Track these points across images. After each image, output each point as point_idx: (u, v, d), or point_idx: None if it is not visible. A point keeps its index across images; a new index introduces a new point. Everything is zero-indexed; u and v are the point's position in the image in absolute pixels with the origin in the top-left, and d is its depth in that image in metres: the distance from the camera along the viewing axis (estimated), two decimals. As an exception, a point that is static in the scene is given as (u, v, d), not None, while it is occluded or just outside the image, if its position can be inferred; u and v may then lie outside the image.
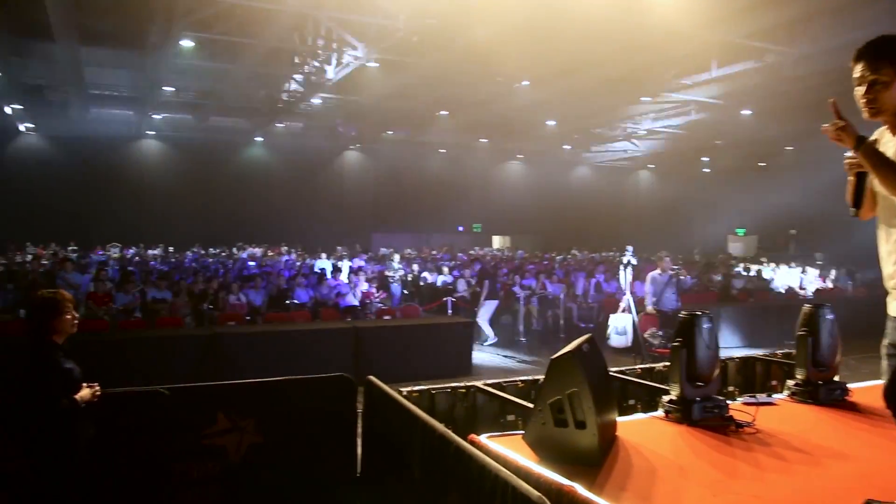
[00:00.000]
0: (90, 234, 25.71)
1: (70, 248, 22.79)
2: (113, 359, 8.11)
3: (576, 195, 35.01)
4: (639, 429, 3.90)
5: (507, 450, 3.62)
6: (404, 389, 4.81)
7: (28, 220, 26.05)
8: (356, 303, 12.04)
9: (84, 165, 27.67)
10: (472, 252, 25.91)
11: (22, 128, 26.68)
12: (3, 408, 4.10)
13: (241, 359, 8.85)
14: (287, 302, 11.80)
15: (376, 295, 12.85)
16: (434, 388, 5.07)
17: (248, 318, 10.89)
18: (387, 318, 11.29)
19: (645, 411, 5.21)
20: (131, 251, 23.76)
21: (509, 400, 4.91)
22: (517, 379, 5.31)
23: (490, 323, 13.08)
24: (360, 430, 5.01)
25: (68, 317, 3.83)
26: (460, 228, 33.57)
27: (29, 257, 20.65)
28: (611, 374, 4.66)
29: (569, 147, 30.58)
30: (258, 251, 24.74)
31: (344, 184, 31.83)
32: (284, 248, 25.36)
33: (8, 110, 23.05)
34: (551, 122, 24.66)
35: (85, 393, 3.81)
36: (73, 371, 3.82)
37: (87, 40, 16.98)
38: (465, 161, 32.46)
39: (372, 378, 4.81)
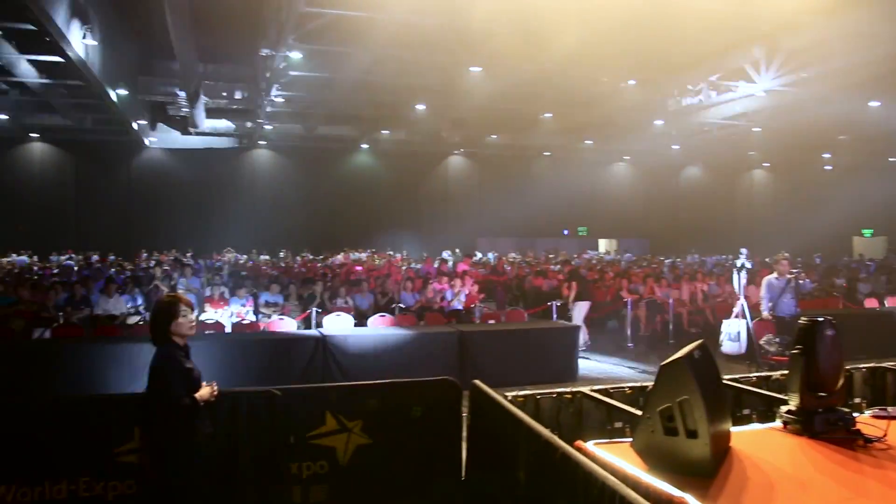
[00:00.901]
0: (207, 241, 27.13)
1: (188, 253, 24.05)
2: (228, 359, 8.47)
3: (685, 196, 33.93)
4: (754, 440, 3.70)
5: (615, 457, 3.52)
6: (509, 394, 4.77)
7: (152, 229, 27.89)
8: (461, 306, 12.09)
9: (200, 175, 29.37)
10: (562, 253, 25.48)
11: (147, 142, 28.50)
12: (135, 403, 4.33)
13: (347, 361, 9.04)
14: (392, 305, 11.98)
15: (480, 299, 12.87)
16: (539, 394, 5.01)
17: (354, 321, 11.11)
18: (491, 322, 11.27)
19: (761, 421, 4.95)
20: (244, 256, 24.83)
21: (616, 407, 4.79)
22: (625, 385, 5.17)
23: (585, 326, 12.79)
24: (465, 433, 5.01)
25: (185, 320, 4.03)
26: (565, 232, 33.20)
27: (153, 263, 21.92)
28: (724, 381, 4.47)
29: (678, 147, 29.66)
30: (364, 255, 25.31)
31: (448, 188, 32.12)
32: (389, 253, 25.84)
33: (135, 126, 24.62)
34: (659, 122, 23.99)
35: (204, 392, 3.99)
36: (193, 371, 4.02)
37: (205, 58, 17.95)
38: (570, 163, 32.07)
39: (477, 382, 4.80)
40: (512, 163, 31.60)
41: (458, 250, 26.10)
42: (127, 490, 4.29)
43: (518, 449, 3.93)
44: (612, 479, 2.87)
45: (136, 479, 4.25)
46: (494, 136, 27.95)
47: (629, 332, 13.47)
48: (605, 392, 5.03)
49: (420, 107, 21.70)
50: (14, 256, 23.70)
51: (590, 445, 3.77)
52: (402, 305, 11.93)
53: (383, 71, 18.80)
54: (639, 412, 4.47)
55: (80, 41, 14.68)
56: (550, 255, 24.80)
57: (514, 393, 4.89)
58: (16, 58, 17.73)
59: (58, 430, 4.26)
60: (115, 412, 4.36)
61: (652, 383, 5.05)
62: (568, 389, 5.09)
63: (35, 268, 20.00)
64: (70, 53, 15.36)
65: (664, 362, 3.42)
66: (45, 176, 28.97)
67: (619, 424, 4.92)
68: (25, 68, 18.79)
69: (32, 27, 14.88)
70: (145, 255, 24.12)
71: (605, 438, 4.38)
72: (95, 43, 14.96)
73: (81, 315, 10.87)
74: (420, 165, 31.20)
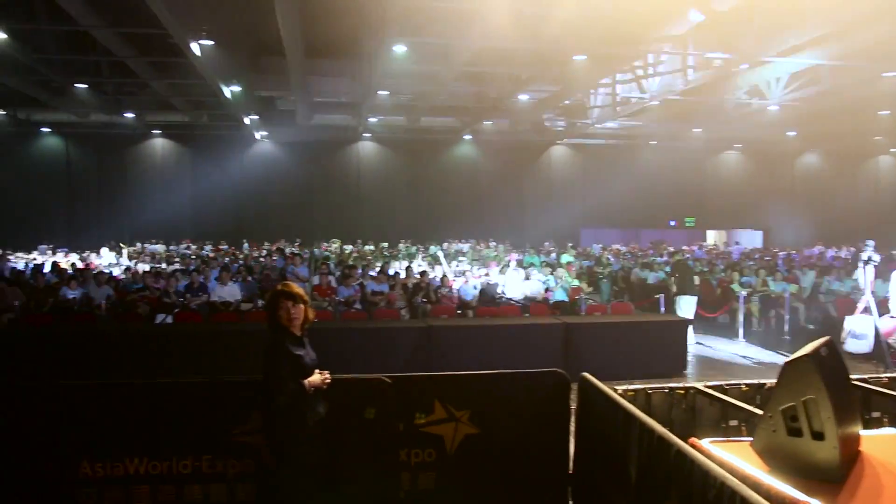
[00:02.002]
0: (314, 231, 28.03)
1: (296, 243, 24.88)
2: (337, 347, 8.71)
3: (802, 185, 32.25)
4: (886, 444, 3.48)
5: (733, 456, 3.40)
6: (619, 387, 4.68)
7: (263, 220, 29.16)
8: (566, 298, 11.95)
9: (308, 168, 30.40)
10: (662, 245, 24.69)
11: (257, 136, 29.67)
12: (251, 387, 4.52)
13: (452, 351, 9.12)
14: (497, 296, 11.99)
15: (586, 291, 12.68)
16: (650, 388, 4.89)
17: (458, 311, 11.20)
18: (597, 314, 11.09)
19: (893, 425, 4.67)
20: (349, 247, 25.43)
21: (732, 404, 4.62)
22: (741, 382, 4.97)
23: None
24: (572, 426, 4.96)
25: (284, 311, 4.14)
26: (672, 223, 32.22)
27: (264, 252, 22.82)
28: (852, 382, 4.23)
29: (794, 133, 28.15)
30: (465, 246, 25.42)
31: (552, 179, 31.77)
32: (492, 244, 25.84)
33: (247, 121, 25.64)
34: (774, 108, 22.85)
35: (315, 379, 4.11)
36: (303, 357, 4.13)
37: (312, 53, 18.43)
38: (678, 152, 31.04)
39: (587, 375, 4.74)
40: (617, 152, 30.91)
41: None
42: (245, 469, 4.49)
43: (630, 444, 3.85)
44: (731, 479, 2.77)
45: (253, 459, 4.44)
46: (599, 126, 27.41)
47: (740, 327, 12.97)
48: (719, 389, 4.86)
49: (523, 97, 21.52)
50: (149, 246, 25.24)
51: (705, 443, 3.65)
52: (506, 296, 11.92)
53: (486, 61, 18.75)
54: (756, 410, 4.31)
55: (196, 42, 15.39)
56: (663, 245, 24.14)
57: (624, 387, 4.80)
58: (139, 60, 18.79)
59: (183, 410, 4.50)
60: (233, 395, 4.55)
61: (770, 381, 4.87)
62: (680, 385, 4.95)
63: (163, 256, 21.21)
64: (188, 54, 16.14)
65: (788, 359, 3.26)
66: (165, 169, 30.67)
67: (734, 422, 4.76)
68: (148, 70, 19.91)
69: (155, 31, 15.76)
70: (246, 245, 25.18)
71: (720, 436, 4.23)
72: (210, 43, 15.63)
73: (199, 301, 11.44)
74: (523, 155, 31.00)
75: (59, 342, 8.83)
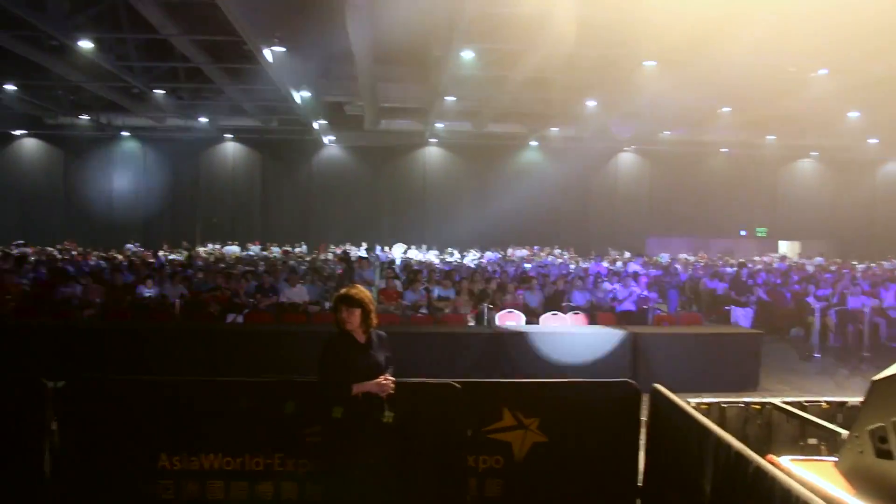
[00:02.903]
0: (380, 235, 28.42)
1: (362, 247, 25.19)
2: (403, 351, 8.73)
3: (884, 195, 30.94)
4: None
5: (816, 476, 3.28)
6: (692, 400, 4.58)
7: (329, 223, 29.66)
8: (633, 307, 11.76)
9: (374, 172, 30.82)
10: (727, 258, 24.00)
11: (326, 140, 30.22)
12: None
13: (519, 358, 9.08)
14: (563, 304, 11.87)
15: (654, 300, 12.45)
16: (724, 402, 4.77)
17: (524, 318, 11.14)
18: (666, 324, 10.87)
19: None
20: (414, 252, 25.60)
21: (811, 421, 4.46)
22: (821, 399, 4.79)
23: None
24: (642, 438, 4.87)
25: (338, 314, 4.25)
26: (743, 233, 31.38)
27: (330, 255, 23.18)
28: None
29: (875, 141, 27.06)
30: (525, 252, 25.29)
31: (618, 186, 31.35)
32: (557, 251, 25.64)
33: (315, 126, 26.13)
34: (854, 114, 22.03)
35: (369, 383, 4.12)
36: (358, 360, 4.17)
37: (380, 60, 18.64)
38: (750, 160, 30.26)
39: (659, 386, 4.65)
40: (685, 159, 30.31)
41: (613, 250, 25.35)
42: (315, 468, 4.55)
43: (704, 459, 3.76)
44: (815, 500, 2.67)
45: (324, 458, 4.50)
46: (668, 132, 26.93)
47: (815, 342, 12.51)
48: (798, 405, 4.70)
49: (591, 103, 21.32)
50: (226, 248, 25.98)
51: (785, 461, 3.54)
52: (572, 304, 11.80)
53: (554, 67, 18.65)
54: (838, 429, 4.14)
55: (269, 49, 15.77)
56: (726, 257, 23.56)
57: (697, 400, 4.69)
58: (214, 67, 19.37)
59: (257, 408, 4.60)
60: (305, 395, 4.62)
61: (852, 399, 4.69)
62: (756, 399, 4.81)
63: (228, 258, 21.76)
64: (260, 60, 16.56)
65: (877, 378, 3.13)
66: (236, 173, 31.51)
67: (813, 441, 4.59)
68: (222, 76, 20.50)
69: (229, 38, 16.23)
70: (304, 246, 25.58)
71: (799, 455, 4.09)
72: (282, 49, 15.99)
73: (269, 303, 11.68)
74: (589, 162, 30.66)
75: (136, 338, 9.16)
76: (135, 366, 8.64)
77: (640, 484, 4.83)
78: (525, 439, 4.73)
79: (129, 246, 26.03)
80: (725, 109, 21.95)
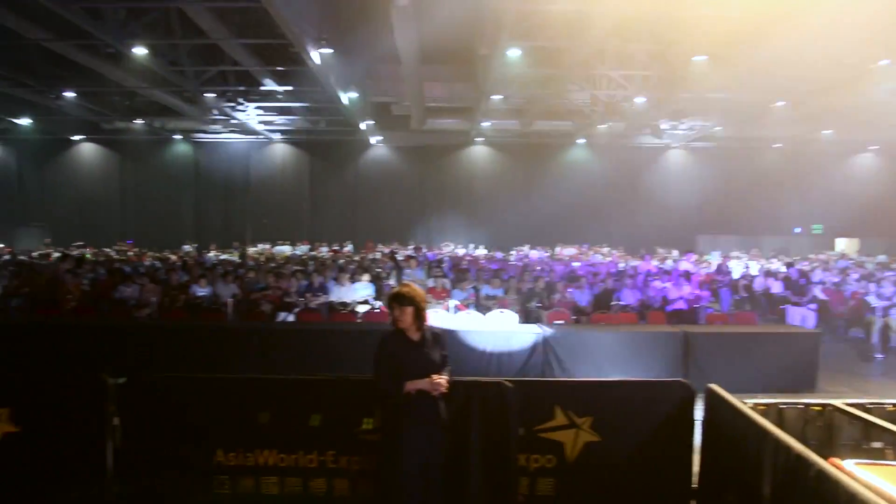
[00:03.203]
0: (427, 234, 28.54)
1: (410, 246, 25.29)
2: (452, 349, 8.75)
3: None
4: None
5: (883, 481, 3.18)
6: (748, 401, 4.48)
7: (377, 222, 29.89)
8: (684, 307, 11.56)
9: (421, 172, 30.93)
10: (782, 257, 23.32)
11: (372, 141, 30.43)
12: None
13: (568, 357, 9.01)
14: (612, 303, 11.74)
15: (706, 299, 12.22)
16: (783, 403, 4.65)
17: (573, 317, 11.05)
18: (718, 324, 10.67)
19: None
20: (462, 249, 25.60)
21: (876, 424, 4.32)
22: (886, 402, 4.64)
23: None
24: (697, 439, 4.78)
25: (391, 314, 4.26)
26: (797, 230, 30.57)
27: (378, 255, 23.32)
28: None
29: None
30: (573, 250, 25.08)
31: (668, 183, 30.83)
32: (606, 249, 25.38)
33: (362, 126, 26.33)
34: (918, 106, 21.25)
35: (420, 382, 4.13)
36: (407, 358, 4.18)
37: (427, 59, 18.68)
38: (805, 155, 29.46)
39: (714, 386, 4.57)
40: (737, 155, 29.66)
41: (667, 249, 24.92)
42: (367, 465, 4.59)
43: (763, 461, 3.68)
44: (883, 505, 2.59)
45: (374, 456, 4.53)
46: (718, 128, 26.40)
47: (875, 342, 12.12)
48: (861, 407, 4.56)
49: (639, 100, 21.04)
50: (277, 247, 26.39)
51: (849, 464, 3.44)
52: (622, 303, 11.65)
53: (601, 64, 18.47)
54: (905, 432, 4.01)
55: (316, 51, 15.95)
56: (781, 255, 22.99)
57: (754, 400, 4.59)
58: (263, 69, 19.67)
59: (310, 406, 4.66)
60: (357, 393, 4.67)
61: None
62: (817, 401, 4.68)
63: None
64: (308, 62, 16.76)
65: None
66: (285, 174, 31.97)
67: (878, 444, 4.45)
68: (270, 78, 20.82)
69: (278, 41, 16.48)
70: (350, 246, 25.77)
71: (863, 458, 3.97)
72: (330, 51, 16.15)
73: (319, 301, 11.81)
74: (638, 159, 30.29)
75: (191, 337, 9.37)
76: (189, 363, 8.84)
77: (694, 485, 4.75)
78: (577, 438, 4.69)
79: (186, 247, 26.65)
80: (780, 103, 21.40)
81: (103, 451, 4.56)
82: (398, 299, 4.25)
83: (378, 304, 11.45)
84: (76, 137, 31.47)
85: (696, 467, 4.76)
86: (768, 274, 15.18)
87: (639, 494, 4.72)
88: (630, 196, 30.33)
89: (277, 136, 30.96)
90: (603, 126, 26.46)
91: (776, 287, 14.44)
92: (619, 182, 30.19)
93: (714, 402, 4.55)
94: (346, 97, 20.56)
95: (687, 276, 12.39)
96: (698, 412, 4.77)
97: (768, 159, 29.98)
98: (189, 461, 4.62)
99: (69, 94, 22.24)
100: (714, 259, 21.90)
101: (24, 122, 27.51)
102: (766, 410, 4.55)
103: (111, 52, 17.86)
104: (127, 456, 4.62)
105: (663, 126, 26.61)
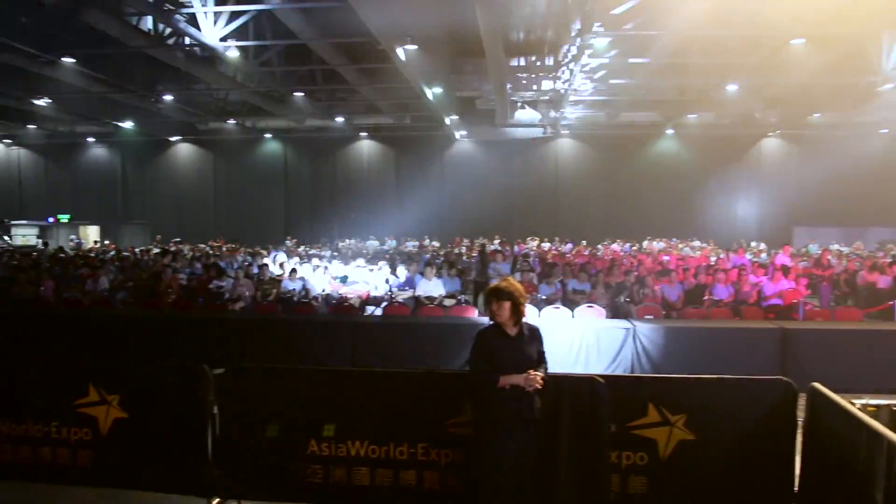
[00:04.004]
0: (511, 228, 28.43)
1: (496, 240, 25.25)
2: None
3: None
4: None
5: None
6: (857, 401, 4.25)
7: (462, 217, 29.95)
8: (780, 301, 11.08)
9: (506, 166, 30.83)
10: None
11: (457, 135, 30.51)
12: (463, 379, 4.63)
13: (658, 353, 8.80)
14: (704, 298, 11.38)
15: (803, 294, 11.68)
16: (896, 404, 4.39)
17: (663, 313, 10.78)
18: (819, 320, 10.18)
19: None
20: (547, 245, 25.38)
21: None
22: None
23: None
24: (798, 440, 4.57)
25: (486, 309, 4.25)
26: (905, 220, 28.80)
27: (463, 248, 23.40)
28: None
29: None
30: (662, 244, 24.46)
31: (761, 173, 29.67)
32: (696, 243, 24.67)
33: (447, 121, 26.43)
34: None
35: (515, 377, 4.10)
36: (504, 353, 4.16)
37: (511, 52, 18.58)
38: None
39: (818, 386, 4.35)
40: (838, 143, 28.10)
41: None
42: (457, 459, 4.60)
43: (875, 466, 3.48)
44: None
45: (465, 450, 4.54)
46: (817, 115, 25.17)
47: None
48: (982, 409, 4.26)
49: (731, 87, 20.26)
50: (367, 242, 26.84)
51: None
52: (714, 298, 11.28)
53: (691, 51, 17.89)
54: None
55: (402, 47, 16.09)
56: (889, 247, 21.73)
57: (862, 401, 4.35)
58: (349, 68, 20.03)
59: (402, 398, 4.70)
60: (449, 387, 4.68)
61: None
62: (934, 403, 4.40)
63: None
64: (394, 59, 16.94)
65: None
66: (371, 170, 32.51)
67: None
68: (357, 76, 21.17)
69: (364, 40, 16.73)
70: (428, 240, 25.88)
71: None
72: (414, 47, 16.26)
73: (406, 296, 11.94)
74: (729, 149, 29.22)
75: (283, 329, 9.65)
76: (281, 355, 9.11)
77: (796, 489, 4.54)
78: (671, 436, 4.56)
79: (287, 242, 27.48)
80: (887, 87, 20.21)
81: (204, 437, 4.74)
82: (497, 294, 4.23)
83: (464, 298, 11.48)
84: (174, 138, 32.91)
85: (797, 470, 4.55)
86: (873, 268, 14.34)
87: (736, 496, 4.55)
88: (721, 188, 29.39)
89: (364, 132, 31.45)
90: (692, 116, 25.70)
91: (882, 282, 13.65)
92: (709, 173, 29.31)
93: (818, 402, 4.33)
94: (430, 92, 20.69)
95: (784, 269, 11.83)
96: (800, 412, 4.56)
97: (874, 146, 28.29)
98: (283, 450, 4.74)
99: (168, 97, 23.25)
100: (813, 252, 20.93)
101: (127, 124, 28.95)
102: (877, 412, 4.30)
103: (207, 55, 18.56)
104: (225, 443, 4.79)
105: (757, 114, 25.59)
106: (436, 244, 25.62)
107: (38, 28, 16.28)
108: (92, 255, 20.70)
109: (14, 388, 5.13)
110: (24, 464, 5.04)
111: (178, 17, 15.06)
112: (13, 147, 34.88)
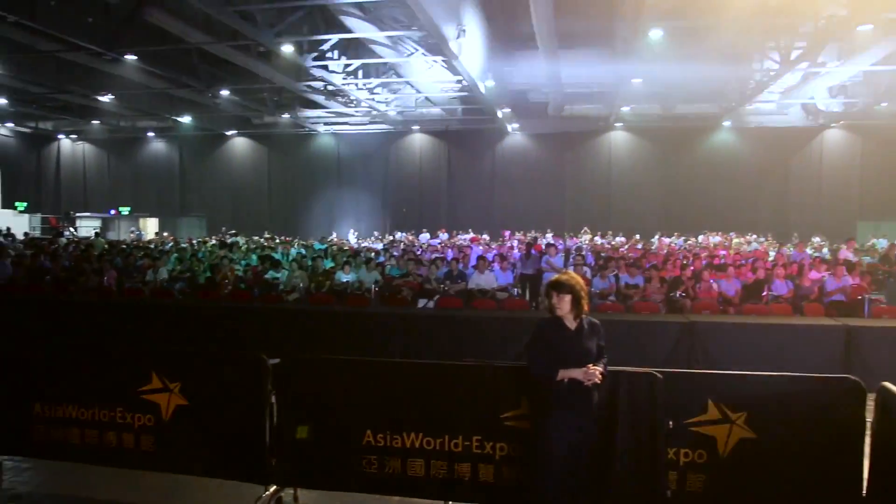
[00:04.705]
0: (563, 222, 28.23)
1: (548, 234, 25.06)
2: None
3: None
4: None
5: None
6: (930, 402, 4.08)
7: (514, 210, 29.84)
8: (843, 298, 10.74)
9: (558, 159, 30.58)
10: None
11: (509, 128, 30.36)
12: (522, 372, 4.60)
13: (716, 350, 8.62)
14: (763, 294, 11.10)
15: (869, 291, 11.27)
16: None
17: (720, 308, 10.55)
18: (885, 317, 9.82)
19: None
20: (600, 238, 25.08)
21: None
22: None
23: None
24: (867, 443, 4.41)
25: (545, 301, 4.18)
26: None
27: (515, 242, 23.28)
28: None
29: None
30: (718, 238, 23.93)
31: (823, 166, 28.72)
32: (752, 237, 24.08)
33: (499, 114, 26.33)
34: None
35: (575, 371, 4.07)
36: (564, 347, 4.14)
37: (565, 44, 18.39)
38: None
39: (889, 385, 4.19)
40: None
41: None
42: (512, 452, 4.57)
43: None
44: None
45: (520, 443, 4.52)
46: (884, 104, 24.27)
47: None
48: None
49: (792, 77, 19.72)
50: (422, 235, 27.02)
51: None
52: (773, 294, 10.99)
53: (750, 40, 17.45)
54: None
55: (455, 41, 16.07)
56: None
57: (935, 402, 4.17)
58: (402, 60, 20.11)
59: (457, 390, 4.70)
60: (505, 380, 4.66)
61: None
62: None
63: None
64: (446, 52, 16.94)
65: None
66: (423, 163, 32.59)
67: None
68: (409, 69, 21.25)
69: (416, 32, 16.77)
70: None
71: None
72: (468, 40, 16.23)
73: (458, 288, 11.95)
74: (789, 142, 28.37)
75: (336, 321, 9.76)
76: (335, 346, 9.22)
77: (864, 493, 4.38)
78: (731, 434, 4.45)
79: (351, 234, 27.81)
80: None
81: (262, 426, 4.81)
82: (557, 286, 4.20)
83: (516, 291, 11.43)
84: (230, 132, 33.54)
85: (866, 473, 4.39)
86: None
87: (799, 497, 4.42)
88: (780, 180, 28.59)
89: (416, 125, 31.55)
90: (751, 107, 25.08)
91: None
92: (767, 166, 28.54)
93: (889, 401, 4.17)
94: (483, 85, 20.63)
95: (848, 265, 11.46)
96: (869, 413, 4.40)
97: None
98: (339, 440, 4.79)
99: (224, 93, 23.71)
100: (880, 246, 20.21)
101: (186, 119, 29.65)
102: (951, 414, 4.13)
103: (262, 50, 18.85)
104: (282, 432, 4.86)
105: (819, 106, 24.82)
106: (485, 237, 25.56)
107: (104, 27, 16.80)
108: (151, 246, 21.28)
109: (82, 373, 5.30)
110: (92, 447, 5.20)
111: (234, 13, 15.30)
112: (78, 142, 36.09)
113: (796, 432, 4.41)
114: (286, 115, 28.63)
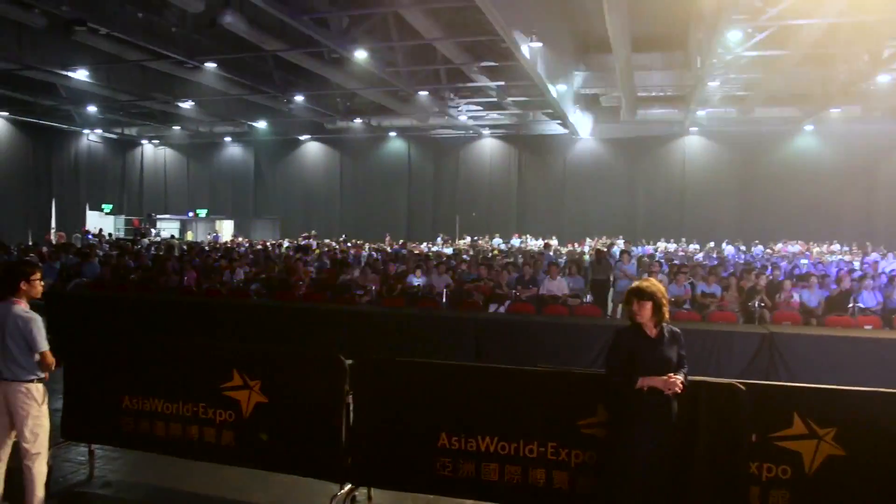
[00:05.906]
0: (635, 228, 27.76)
1: (620, 240, 24.71)
2: (667, 348, 8.42)
3: None
4: None
5: None
6: None
7: (584, 216, 29.49)
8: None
9: (631, 164, 30.09)
10: None
11: (581, 132, 30.03)
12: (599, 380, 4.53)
13: (797, 362, 8.31)
14: (849, 305, 10.64)
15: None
16: None
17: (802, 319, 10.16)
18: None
19: None
20: (673, 245, 24.59)
21: None
22: None
23: None
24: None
25: (627, 308, 4.19)
26: None
27: (587, 248, 23.06)
28: None
29: None
30: (798, 247, 23.11)
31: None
32: (836, 247, 23.17)
33: (571, 118, 26.08)
34: None
35: (655, 380, 4.01)
36: (644, 354, 4.07)
37: (638, 47, 18.08)
38: None
39: None
40: None
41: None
42: (588, 460, 4.51)
43: None
44: None
45: (596, 451, 4.45)
46: None
47: None
48: None
49: (883, 78, 18.76)
50: (495, 240, 27.11)
51: None
52: (861, 306, 10.53)
53: (837, 41, 16.77)
54: None
55: (526, 45, 15.99)
56: None
57: None
58: (473, 66, 20.16)
59: (534, 396, 4.67)
60: (582, 387, 4.61)
61: None
62: None
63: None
64: (518, 57, 16.87)
65: None
66: (493, 168, 32.61)
67: None
68: (481, 74, 21.28)
69: (489, 38, 16.78)
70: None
71: None
72: (539, 44, 16.13)
73: (529, 294, 11.87)
74: (877, 146, 27.01)
75: (408, 323, 9.83)
76: (406, 348, 9.28)
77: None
78: (818, 450, 4.27)
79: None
80: None
81: (339, 425, 4.88)
82: (638, 294, 4.15)
83: (588, 298, 11.30)
84: (303, 137, 34.29)
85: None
86: None
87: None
88: (866, 187, 27.34)
89: (486, 130, 31.57)
90: (836, 110, 24.10)
91: None
92: (851, 172, 27.30)
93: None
94: (555, 90, 20.47)
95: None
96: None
97: None
98: (414, 442, 4.82)
99: (299, 98, 24.25)
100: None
101: (261, 124, 30.45)
102: None
103: (335, 56, 19.20)
104: (357, 432, 4.92)
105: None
106: (553, 242, 25.38)
107: (186, 36, 17.44)
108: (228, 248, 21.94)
109: (168, 369, 5.49)
110: (175, 439, 5.38)
111: (309, 20, 15.62)
112: (160, 147, 37.52)
113: (890, 451, 4.21)
114: (358, 120, 29.07)
